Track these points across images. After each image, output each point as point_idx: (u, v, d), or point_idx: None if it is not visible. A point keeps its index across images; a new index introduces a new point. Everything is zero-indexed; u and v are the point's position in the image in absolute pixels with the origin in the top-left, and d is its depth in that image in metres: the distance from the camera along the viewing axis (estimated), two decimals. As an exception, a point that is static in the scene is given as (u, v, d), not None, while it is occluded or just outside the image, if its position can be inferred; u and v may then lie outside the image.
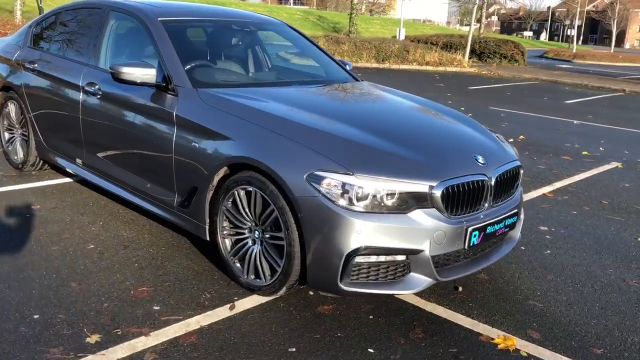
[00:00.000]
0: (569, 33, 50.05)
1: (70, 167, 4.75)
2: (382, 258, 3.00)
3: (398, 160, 3.12)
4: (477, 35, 25.96)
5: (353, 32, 23.35)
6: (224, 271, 3.58)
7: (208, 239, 3.60)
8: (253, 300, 3.29)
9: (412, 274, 3.08)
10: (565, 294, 3.61)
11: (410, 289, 3.06)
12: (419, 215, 3.00)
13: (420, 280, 3.08)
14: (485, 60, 25.29)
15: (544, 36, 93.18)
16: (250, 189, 3.24)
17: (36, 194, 4.85)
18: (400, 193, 2.98)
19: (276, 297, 3.31)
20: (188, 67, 3.91)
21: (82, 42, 4.70)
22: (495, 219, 3.32)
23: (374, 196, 2.94)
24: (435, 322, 3.19)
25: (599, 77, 22.32)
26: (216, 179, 3.42)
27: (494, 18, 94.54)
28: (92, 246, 3.88)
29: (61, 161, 4.85)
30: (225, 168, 3.38)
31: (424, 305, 3.36)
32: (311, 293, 3.40)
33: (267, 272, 3.27)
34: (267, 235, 3.25)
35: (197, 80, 3.81)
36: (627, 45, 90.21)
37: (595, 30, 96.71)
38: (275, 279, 3.21)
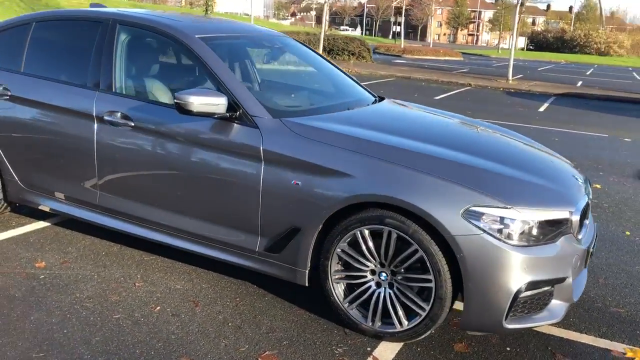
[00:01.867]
0: (394, 29, 53.63)
1: (67, 210, 3.98)
2: (537, 290, 2.95)
3: (542, 189, 3.08)
4: (319, 32, 26.57)
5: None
6: (329, 317, 3.27)
7: (307, 284, 3.26)
8: (389, 349, 3.04)
9: (553, 301, 3.06)
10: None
11: (557, 318, 3.05)
12: (563, 243, 2.99)
13: (561, 306, 3.07)
14: (335, 57, 26.03)
15: (358, 31, 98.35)
16: (382, 229, 2.97)
17: (22, 245, 3.99)
18: (551, 222, 2.94)
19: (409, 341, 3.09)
20: (256, 93, 3.46)
21: (80, 61, 3.93)
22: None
23: (530, 228, 2.87)
24: (563, 344, 3.22)
25: (441, 72, 24.15)
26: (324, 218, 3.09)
27: (312, 13, 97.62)
28: (158, 308, 3.29)
29: (51, 203, 4.04)
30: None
31: (536, 327, 3.36)
32: (431, 330, 3.23)
33: (403, 316, 3.03)
34: (401, 277, 3.02)
35: (274, 109, 3.40)
36: (428, 40, 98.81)
37: (400, 24, 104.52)
38: (418, 323, 2.99)
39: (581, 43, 56.24)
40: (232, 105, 3.31)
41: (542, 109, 14.47)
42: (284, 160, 3.17)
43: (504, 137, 3.96)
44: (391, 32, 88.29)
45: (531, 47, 60.12)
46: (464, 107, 13.29)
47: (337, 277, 3.16)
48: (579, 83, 23.30)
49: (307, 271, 3.23)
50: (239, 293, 3.53)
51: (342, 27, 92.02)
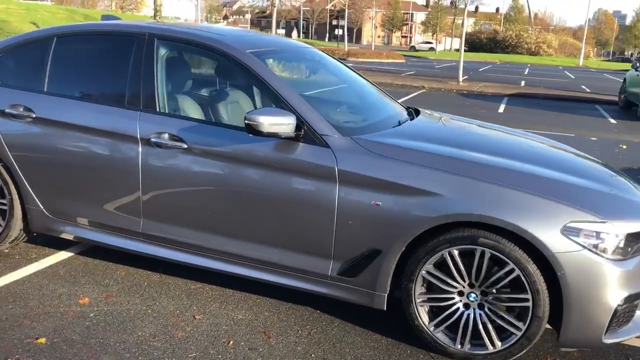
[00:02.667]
0: (337, 32, 53.85)
1: (102, 239, 3.69)
2: (631, 304, 2.94)
3: (627, 202, 3.08)
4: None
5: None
6: (407, 342, 3.18)
7: (385, 308, 3.14)
8: (484, 371, 2.96)
9: (637, 312, 3.07)
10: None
11: None
12: None
13: None
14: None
15: (295, 34, 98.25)
16: (473, 248, 2.89)
17: (54, 280, 3.67)
18: (636, 234, 2.93)
19: (501, 361, 3.02)
20: (321, 110, 3.31)
21: (113, 79, 3.66)
22: None
23: (620, 241, 2.86)
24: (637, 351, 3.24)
25: (392, 75, 24.40)
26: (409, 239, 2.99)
27: (247, 17, 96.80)
28: (231, 342, 3.09)
29: (83, 232, 3.74)
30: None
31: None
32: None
33: (495, 337, 2.96)
34: (492, 297, 2.95)
35: (341, 127, 3.26)
36: (364, 42, 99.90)
37: (335, 27, 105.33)
38: (513, 343, 2.93)
39: (513, 43, 58.39)
40: (298, 124, 3.15)
41: (501, 110, 14.82)
42: (362, 180, 3.04)
43: (561, 148, 3.97)
44: (327, 35, 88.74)
45: (466, 48, 61.65)
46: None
47: (421, 300, 3.06)
48: (522, 83, 24.09)
49: (386, 295, 3.12)
50: (306, 320, 3.37)
51: (278, 31, 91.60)
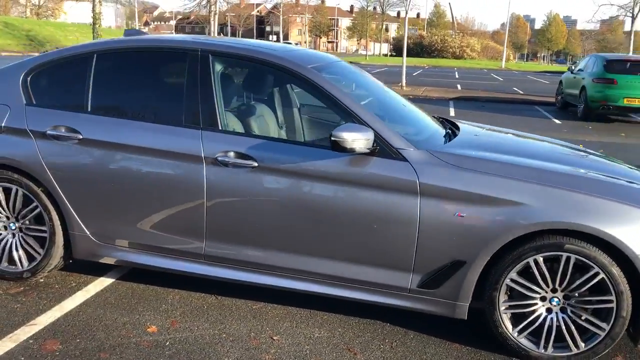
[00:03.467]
0: (270, 38, 53.92)
1: (157, 264, 3.55)
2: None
3: None
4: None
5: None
6: (488, 348, 3.26)
7: (466, 317, 3.21)
8: (570, 372, 3.08)
9: None
10: None
11: None
12: None
13: None
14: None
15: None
16: (559, 255, 3.01)
17: (109, 308, 3.49)
18: None
19: (582, 362, 3.15)
20: (390, 124, 3.33)
21: (165, 97, 3.56)
22: None
23: None
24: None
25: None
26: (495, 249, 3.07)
27: (172, 22, 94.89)
28: (321, 361, 3.05)
29: (133, 257, 3.59)
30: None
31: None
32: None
33: (579, 339, 3.08)
34: (575, 300, 3.08)
35: (413, 140, 3.30)
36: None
37: (263, 33, 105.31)
38: (597, 343, 3.07)
39: (438, 48, 60.33)
40: (375, 140, 3.17)
41: (452, 113, 15.28)
42: (445, 192, 3.09)
43: (590, 153, 4.16)
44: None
45: (393, 53, 63.49)
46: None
47: (504, 307, 3.14)
48: (459, 86, 24.92)
49: (468, 304, 3.18)
50: (382, 334, 3.38)
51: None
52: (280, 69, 3.45)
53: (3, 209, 3.70)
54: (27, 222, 3.69)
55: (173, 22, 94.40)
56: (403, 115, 4.12)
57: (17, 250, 3.73)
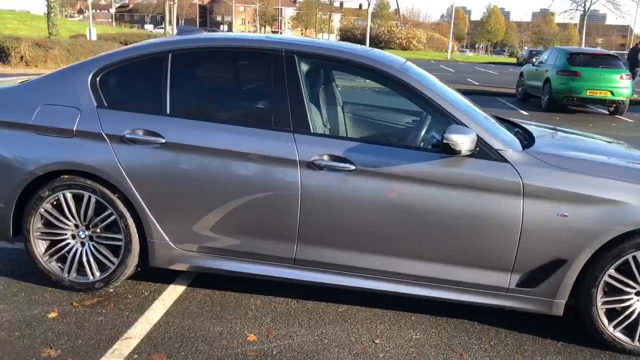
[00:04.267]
0: (221, 28, 52.94)
1: (241, 269, 3.47)
2: None
3: None
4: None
5: (54, 33, 20.04)
6: (585, 344, 3.35)
7: (562, 314, 3.30)
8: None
9: None
10: None
11: None
12: None
13: None
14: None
15: (151, 27, 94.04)
16: None
17: (195, 317, 3.38)
18: None
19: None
20: (487, 124, 3.36)
21: (248, 99, 3.46)
22: None
23: None
24: None
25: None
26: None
27: (111, 11, 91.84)
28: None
29: (217, 264, 3.49)
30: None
31: None
32: None
33: (671, 330, 3.23)
34: None
35: (508, 141, 3.34)
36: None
37: (206, 22, 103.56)
38: None
39: (385, 39, 60.91)
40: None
41: (423, 105, 15.48)
42: (548, 193, 3.14)
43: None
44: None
45: (341, 43, 63.33)
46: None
47: (601, 302, 3.24)
48: (417, 78, 25.20)
49: (565, 301, 3.26)
50: (476, 332, 3.42)
51: (145, 27, 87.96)
52: (369, 69, 3.42)
53: (72, 217, 3.52)
54: (99, 230, 3.52)
55: (112, 10, 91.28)
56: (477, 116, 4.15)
57: (87, 259, 3.55)
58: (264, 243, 3.42)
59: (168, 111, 3.44)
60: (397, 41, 60.82)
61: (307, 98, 3.37)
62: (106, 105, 3.48)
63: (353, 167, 3.24)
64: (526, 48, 61.12)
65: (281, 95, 3.36)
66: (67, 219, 3.53)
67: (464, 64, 43.33)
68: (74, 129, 3.42)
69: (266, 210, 3.35)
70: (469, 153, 3.13)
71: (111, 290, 3.67)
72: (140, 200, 3.40)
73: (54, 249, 3.58)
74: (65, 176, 3.46)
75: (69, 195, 3.48)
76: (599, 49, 21.76)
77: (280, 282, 3.52)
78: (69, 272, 3.58)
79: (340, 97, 3.94)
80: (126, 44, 22.61)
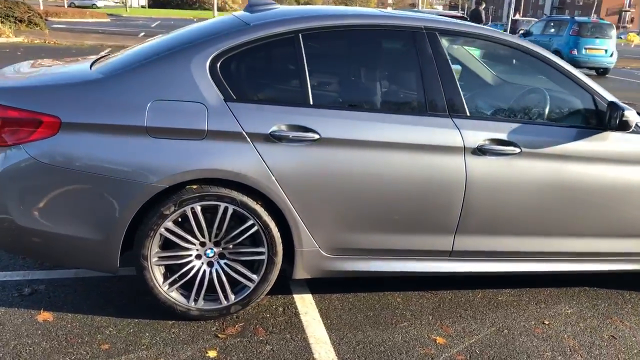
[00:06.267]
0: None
1: (396, 268, 3.22)
2: None
3: None
4: None
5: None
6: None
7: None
8: None
9: None
10: None
11: None
12: None
13: None
14: (-3, 25, 21.35)
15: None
16: None
17: (363, 327, 3.07)
18: None
19: None
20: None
21: (394, 83, 3.14)
22: None
23: None
24: None
25: (128, 36, 22.56)
26: None
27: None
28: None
29: (370, 265, 3.19)
30: None
31: None
32: None
33: None
34: None
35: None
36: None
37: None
38: None
39: (199, 0, 58.79)
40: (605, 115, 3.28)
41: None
42: None
43: None
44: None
45: (151, 2, 59.93)
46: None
47: None
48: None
49: None
50: (623, 302, 3.60)
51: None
52: (515, 47, 3.30)
53: (202, 234, 2.93)
54: (234, 245, 2.98)
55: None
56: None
57: (219, 280, 3.01)
58: (419, 238, 3.19)
59: (311, 102, 2.98)
60: (212, 1, 59.04)
61: (456, 78, 3.16)
62: (235, 98, 2.91)
63: (518, 150, 3.13)
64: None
65: (432, 77, 3.10)
66: (195, 237, 2.93)
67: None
68: (205, 129, 2.82)
69: (427, 203, 3.11)
70: (636, 129, 3.21)
71: (238, 314, 3.14)
72: (291, 206, 2.94)
73: (177, 274, 2.96)
74: (194, 186, 2.85)
75: (198, 209, 2.88)
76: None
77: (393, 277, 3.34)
78: (195, 299, 3.00)
79: (483, 74, 3.76)
80: None
